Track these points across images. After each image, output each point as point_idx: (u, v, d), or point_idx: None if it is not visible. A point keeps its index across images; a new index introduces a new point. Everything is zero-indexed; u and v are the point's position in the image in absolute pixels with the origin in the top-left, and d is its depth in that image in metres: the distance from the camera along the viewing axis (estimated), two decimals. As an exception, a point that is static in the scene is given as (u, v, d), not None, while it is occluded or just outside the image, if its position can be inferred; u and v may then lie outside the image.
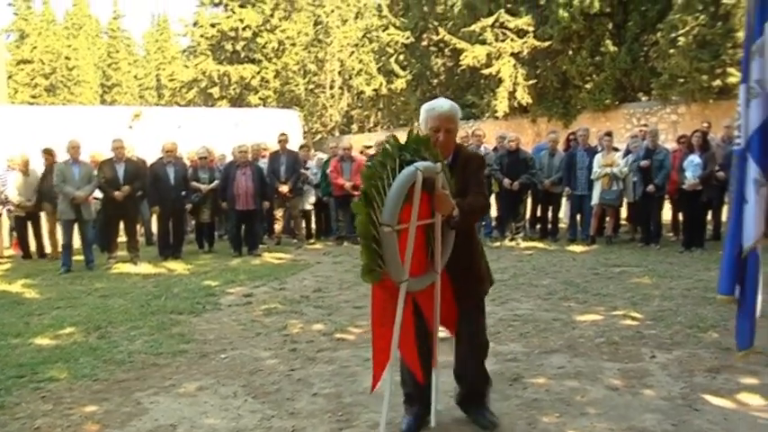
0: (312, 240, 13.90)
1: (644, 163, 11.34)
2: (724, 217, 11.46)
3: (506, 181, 12.08)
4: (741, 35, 20.62)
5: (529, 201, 13.13)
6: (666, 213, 12.30)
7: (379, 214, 3.22)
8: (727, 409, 4.36)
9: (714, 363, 5.27)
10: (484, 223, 13.16)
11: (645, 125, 15.58)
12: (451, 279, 3.92)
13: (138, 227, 13.21)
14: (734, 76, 21.48)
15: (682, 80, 23.11)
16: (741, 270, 4.16)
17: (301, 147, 15.00)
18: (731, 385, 4.77)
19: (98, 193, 11.43)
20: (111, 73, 63.28)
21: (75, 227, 11.00)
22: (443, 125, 3.84)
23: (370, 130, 40.13)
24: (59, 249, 11.46)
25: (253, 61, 42.24)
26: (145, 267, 10.92)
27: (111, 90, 62.76)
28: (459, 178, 3.83)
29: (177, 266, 10.99)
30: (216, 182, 12.57)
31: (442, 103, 3.91)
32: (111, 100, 60.16)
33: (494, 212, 13.16)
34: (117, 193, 10.85)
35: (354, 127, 43.17)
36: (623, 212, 12.91)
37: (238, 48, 41.96)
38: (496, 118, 29.08)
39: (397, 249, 3.26)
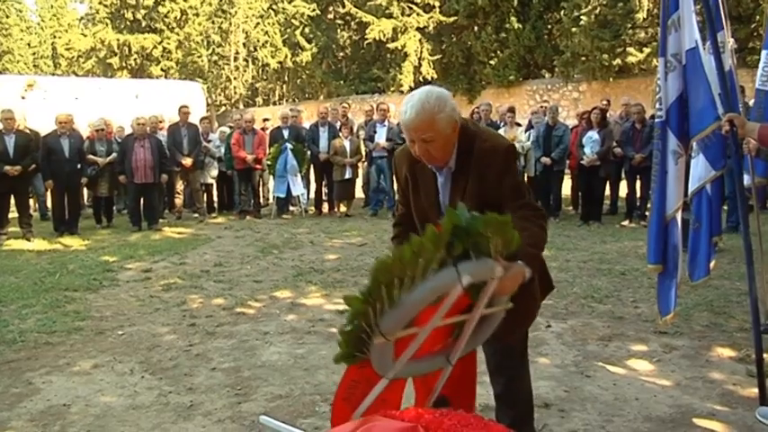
0: (214, 214, 13.73)
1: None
2: (621, 192, 11.87)
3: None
4: (640, 16, 21.39)
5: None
6: (567, 188, 12.64)
7: (379, 317, 2.25)
8: (617, 374, 4.54)
9: (606, 331, 5.47)
10: (387, 197, 13.26)
11: (546, 101, 15.96)
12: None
13: (32, 201, 12.77)
14: (633, 55, 22.28)
15: (583, 58, 23.77)
16: (667, 239, 4.29)
17: (202, 119, 14.73)
18: (622, 352, 4.97)
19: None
20: (0, 39, 60.29)
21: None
22: (415, 136, 2.78)
23: (275, 104, 39.63)
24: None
25: (154, 31, 40.94)
26: (39, 243, 10.55)
27: (2, 58, 59.77)
28: (475, 189, 2.83)
29: (73, 242, 10.66)
30: (113, 154, 12.22)
31: (407, 108, 2.75)
32: (2, 68, 57.30)
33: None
34: (8, 168, 10.40)
35: (259, 100, 42.58)
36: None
37: (139, 16, 40.54)
38: (402, 92, 29.14)
39: (390, 356, 2.38)
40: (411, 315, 2.26)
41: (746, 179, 4.66)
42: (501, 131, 12.05)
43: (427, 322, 2.35)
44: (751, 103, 6.46)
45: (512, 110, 12.55)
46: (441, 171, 2.92)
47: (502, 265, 2.40)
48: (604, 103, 13.44)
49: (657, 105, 4.30)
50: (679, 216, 4.30)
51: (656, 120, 4.33)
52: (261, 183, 14.25)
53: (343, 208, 13.46)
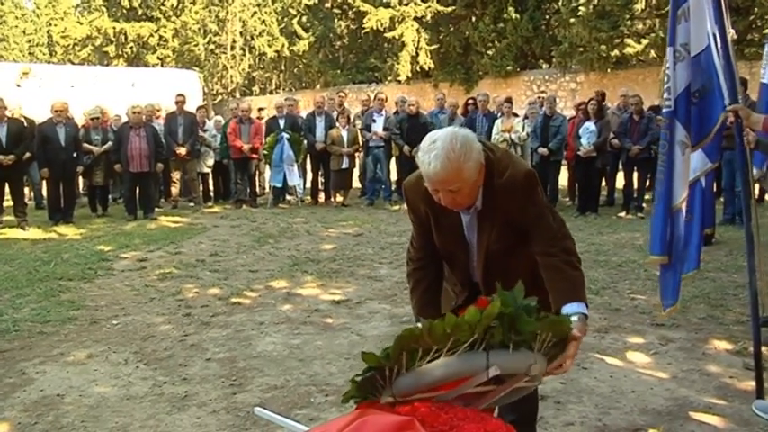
0: (210, 204, 13.68)
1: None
2: (618, 183, 11.85)
3: (406, 148, 12.18)
4: (639, 7, 21.33)
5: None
6: (564, 179, 12.62)
7: (395, 377, 2.13)
8: (613, 366, 4.53)
9: (603, 323, 5.46)
10: (383, 187, 13.24)
11: (543, 92, 15.92)
12: None
13: (27, 190, 12.72)
14: (631, 46, 22.25)
15: (581, 49, 23.72)
16: (672, 230, 4.26)
17: (198, 108, 14.66)
18: (618, 344, 4.95)
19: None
20: (-5, 27, 59.91)
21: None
22: (440, 187, 2.53)
23: (272, 93, 39.52)
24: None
25: (150, 19, 40.75)
26: (34, 232, 10.51)
27: (-3, 45, 59.48)
28: (502, 227, 2.70)
29: (68, 231, 10.60)
30: (109, 143, 12.17)
31: (430, 159, 2.46)
32: (-3, 56, 57.05)
33: (394, 176, 13.25)
34: (1, 157, 10.39)
35: (256, 89, 42.44)
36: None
37: (135, 4, 40.35)
38: (399, 82, 29.10)
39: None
40: (427, 386, 2.12)
41: (755, 171, 4.65)
42: (498, 122, 12.04)
43: (441, 391, 2.20)
44: (753, 96, 6.44)
45: (509, 100, 12.55)
46: (467, 211, 2.74)
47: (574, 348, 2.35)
48: (598, 93, 13.41)
49: (666, 96, 4.25)
50: (684, 207, 4.28)
51: (664, 110, 4.28)
52: (257, 172, 14.22)
53: (339, 198, 13.44)
